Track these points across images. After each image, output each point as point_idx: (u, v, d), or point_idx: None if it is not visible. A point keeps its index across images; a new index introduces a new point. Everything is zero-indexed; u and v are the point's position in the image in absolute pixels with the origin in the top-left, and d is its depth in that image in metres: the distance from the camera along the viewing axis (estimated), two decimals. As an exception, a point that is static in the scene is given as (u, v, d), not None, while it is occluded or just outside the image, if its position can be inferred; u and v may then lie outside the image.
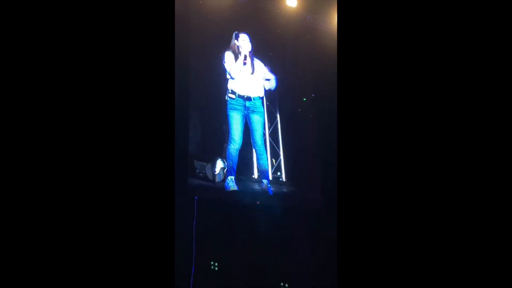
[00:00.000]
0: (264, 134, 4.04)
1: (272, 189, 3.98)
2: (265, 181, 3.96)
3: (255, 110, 3.92)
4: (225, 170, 3.97)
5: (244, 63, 3.87)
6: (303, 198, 4.21)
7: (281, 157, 4.49)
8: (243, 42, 3.91)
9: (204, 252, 3.39)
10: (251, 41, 3.91)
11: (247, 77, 3.92)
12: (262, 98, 3.99)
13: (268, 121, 4.53)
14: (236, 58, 3.90)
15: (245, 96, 3.88)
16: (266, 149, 4.04)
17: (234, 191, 3.78)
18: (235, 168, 3.87)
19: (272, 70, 4.08)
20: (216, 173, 3.99)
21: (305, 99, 4.61)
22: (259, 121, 3.93)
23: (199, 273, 3.31)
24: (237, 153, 3.87)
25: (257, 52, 4.14)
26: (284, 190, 4.31)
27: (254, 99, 3.92)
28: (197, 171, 4.02)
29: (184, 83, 3.76)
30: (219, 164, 4.01)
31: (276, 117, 4.59)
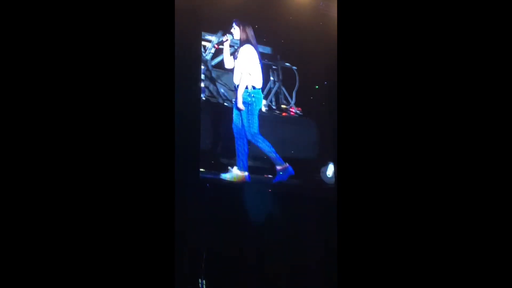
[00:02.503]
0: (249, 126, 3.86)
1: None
2: None
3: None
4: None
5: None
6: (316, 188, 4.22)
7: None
8: (234, 30, 3.86)
9: (211, 238, 3.47)
10: (242, 27, 3.83)
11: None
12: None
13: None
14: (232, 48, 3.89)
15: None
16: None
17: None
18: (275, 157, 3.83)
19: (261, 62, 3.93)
20: (329, 176, 4.18)
21: (317, 86, 4.57)
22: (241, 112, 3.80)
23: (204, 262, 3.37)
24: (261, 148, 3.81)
25: (269, 39, 4.19)
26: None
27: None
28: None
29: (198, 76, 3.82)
30: (331, 167, 4.18)
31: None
